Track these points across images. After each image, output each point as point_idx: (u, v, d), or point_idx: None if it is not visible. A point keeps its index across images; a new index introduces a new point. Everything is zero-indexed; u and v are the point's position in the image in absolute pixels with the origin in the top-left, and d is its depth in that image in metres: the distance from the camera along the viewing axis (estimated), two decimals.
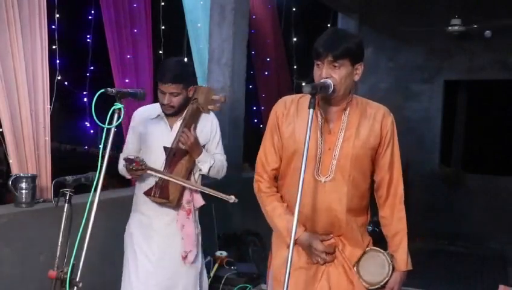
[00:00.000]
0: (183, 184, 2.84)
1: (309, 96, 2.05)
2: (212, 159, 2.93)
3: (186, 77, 2.87)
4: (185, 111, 2.91)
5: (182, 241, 2.90)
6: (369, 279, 2.19)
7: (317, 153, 2.17)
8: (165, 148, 2.84)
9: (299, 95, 2.28)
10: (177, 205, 2.87)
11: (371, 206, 2.33)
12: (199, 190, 2.92)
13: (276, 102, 2.34)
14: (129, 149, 2.97)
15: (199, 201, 2.98)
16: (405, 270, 2.23)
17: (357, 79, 2.16)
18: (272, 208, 2.31)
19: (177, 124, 2.89)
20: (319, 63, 2.11)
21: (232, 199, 2.80)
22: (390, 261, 2.19)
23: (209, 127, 2.99)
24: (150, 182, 2.87)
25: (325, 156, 2.17)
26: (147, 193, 2.84)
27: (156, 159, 2.85)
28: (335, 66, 2.08)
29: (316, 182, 2.17)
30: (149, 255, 2.89)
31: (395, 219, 2.24)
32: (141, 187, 2.92)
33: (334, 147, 2.17)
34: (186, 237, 2.89)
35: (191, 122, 2.89)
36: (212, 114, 3.03)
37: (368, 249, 2.24)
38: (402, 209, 2.25)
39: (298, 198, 1.91)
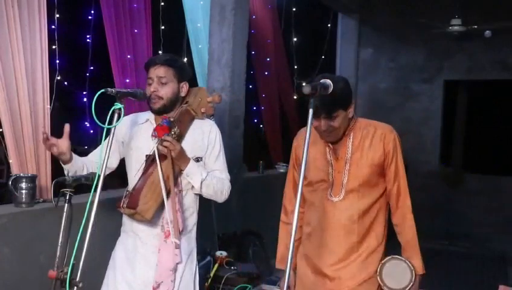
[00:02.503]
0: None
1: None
2: (205, 172, 2.46)
3: (179, 65, 2.53)
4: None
5: (156, 267, 2.44)
6: (394, 285, 2.36)
7: (330, 177, 2.42)
8: (146, 156, 2.46)
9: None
10: (152, 220, 2.40)
11: None
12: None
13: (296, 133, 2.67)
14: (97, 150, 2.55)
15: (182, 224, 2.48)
16: (421, 274, 2.41)
17: (351, 115, 2.38)
18: (282, 238, 2.61)
19: None
20: (316, 118, 2.32)
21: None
22: (412, 267, 2.36)
23: (206, 137, 2.54)
24: None
25: (336, 179, 2.42)
26: (117, 205, 2.44)
27: (139, 168, 2.47)
28: (331, 119, 2.29)
29: (329, 202, 2.42)
30: (132, 284, 2.48)
31: (406, 227, 2.43)
32: None
33: (343, 170, 2.40)
34: (160, 264, 2.43)
35: (179, 126, 2.45)
36: (210, 122, 2.62)
37: (388, 258, 2.41)
38: (411, 218, 2.43)
39: (297, 204, 1.93)
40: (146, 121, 2.57)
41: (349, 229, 2.39)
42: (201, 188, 2.46)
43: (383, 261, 2.39)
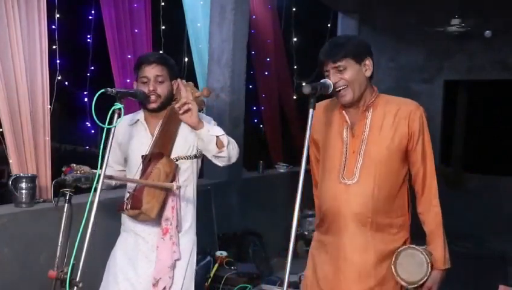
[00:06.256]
0: (129, 181, 2.42)
1: (335, 101, 2.25)
2: (219, 129, 2.43)
3: (171, 63, 2.55)
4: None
5: (155, 264, 2.46)
6: (407, 277, 2.17)
7: (343, 156, 2.22)
8: (142, 157, 2.46)
9: (326, 101, 2.36)
10: (157, 218, 2.42)
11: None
12: (140, 183, 2.38)
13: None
14: (109, 162, 2.49)
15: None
16: (444, 269, 2.21)
17: (369, 74, 2.19)
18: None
19: (158, 129, 2.51)
20: (326, 72, 2.18)
21: (174, 186, 2.34)
22: (429, 260, 2.16)
23: None
24: None
25: (349, 160, 2.21)
26: (120, 208, 2.44)
27: (137, 170, 2.47)
28: (340, 70, 2.14)
29: (341, 185, 2.21)
30: (134, 282, 2.47)
31: (431, 215, 2.23)
32: None
33: (358, 150, 2.20)
34: (158, 261, 2.44)
35: (171, 124, 2.49)
36: (201, 114, 2.56)
37: (405, 246, 2.21)
38: (437, 204, 2.23)
39: (298, 197, 1.92)
40: (137, 121, 2.58)
41: (362, 219, 2.18)
42: (228, 145, 2.39)
43: (399, 250, 2.19)
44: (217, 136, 2.38)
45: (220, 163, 2.48)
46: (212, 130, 2.38)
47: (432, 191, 2.22)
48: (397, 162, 2.19)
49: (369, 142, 2.19)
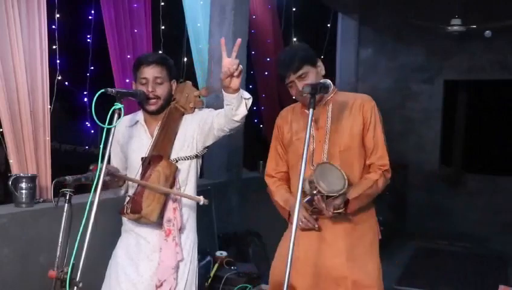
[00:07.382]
0: (156, 189, 2.36)
1: (300, 104, 2.49)
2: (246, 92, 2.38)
3: (171, 64, 2.54)
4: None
5: (158, 266, 2.46)
6: (326, 187, 2.24)
7: (311, 146, 2.46)
8: (142, 159, 2.45)
9: (293, 104, 2.62)
10: (158, 221, 2.41)
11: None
12: (172, 194, 2.41)
13: (279, 113, 2.72)
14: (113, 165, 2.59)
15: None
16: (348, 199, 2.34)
17: (323, 73, 2.47)
18: (276, 193, 2.64)
19: (157, 130, 2.50)
20: (289, 84, 2.41)
21: (201, 200, 2.40)
22: (346, 177, 2.29)
23: (195, 120, 2.53)
24: None
25: (317, 148, 2.47)
26: (121, 212, 2.44)
27: (137, 173, 2.46)
28: (302, 77, 2.37)
29: (311, 170, 2.38)
30: (136, 283, 2.47)
31: (368, 178, 2.43)
32: None
33: (323, 139, 2.46)
34: (162, 263, 2.43)
35: (170, 125, 2.48)
36: (196, 110, 2.62)
37: (322, 162, 2.37)
38: (378, 175, 2.43)
39: (299, 194, 1.94)
40: (136, 122, 2.57)
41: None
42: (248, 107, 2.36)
43: (317, 164, 2.32)
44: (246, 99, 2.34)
45: (235, 127, 2.43)
46: (243, 94, 2.32)
47: (382, 168, 2.43)
48: (357, 147, 2.45)
49: (331, 131, 2.44)
